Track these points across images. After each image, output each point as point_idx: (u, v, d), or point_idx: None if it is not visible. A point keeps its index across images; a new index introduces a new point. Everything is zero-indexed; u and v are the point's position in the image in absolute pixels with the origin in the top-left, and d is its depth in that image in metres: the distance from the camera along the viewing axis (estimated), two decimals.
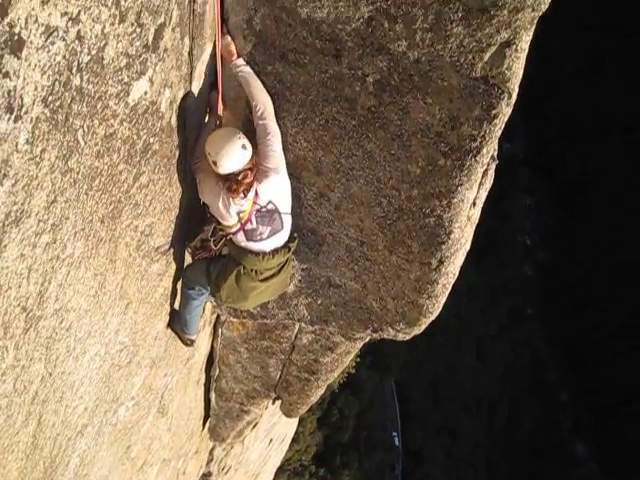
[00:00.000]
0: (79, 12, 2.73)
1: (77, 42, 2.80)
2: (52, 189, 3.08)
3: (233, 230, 4.96)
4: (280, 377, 8.25)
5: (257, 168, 4.68)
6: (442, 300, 5.49)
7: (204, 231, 5.37)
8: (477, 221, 5.23)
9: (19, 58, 2.42)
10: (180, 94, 4.33)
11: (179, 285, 5.88)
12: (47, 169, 2.96)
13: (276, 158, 4.75)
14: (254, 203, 4.80)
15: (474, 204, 4.92)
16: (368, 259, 5.45)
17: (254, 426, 10.69)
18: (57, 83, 2.76)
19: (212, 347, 8.38)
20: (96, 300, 4.24)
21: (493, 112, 4.14)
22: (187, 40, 4.14)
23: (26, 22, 2.39)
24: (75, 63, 2.85)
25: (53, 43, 2.62)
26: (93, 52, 2.97)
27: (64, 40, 2.69)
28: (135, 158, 3.92)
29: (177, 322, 6.14)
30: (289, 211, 5.07)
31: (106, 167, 3.58)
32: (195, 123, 4.83)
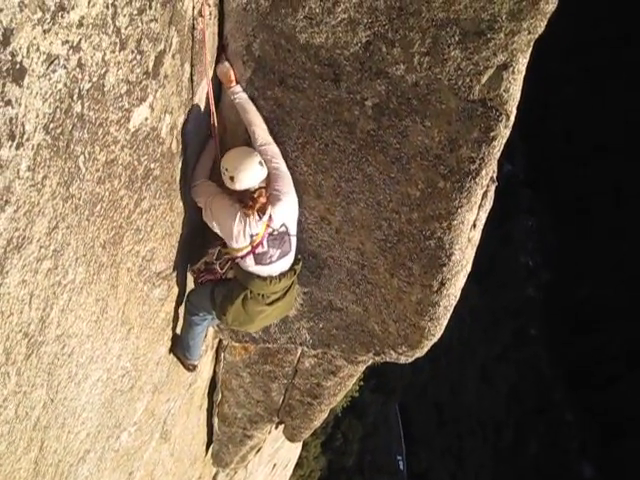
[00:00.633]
0: (80, 40, 2.76)
1: (78, 70, 2.83)
2: (53, 215, 3.10)
3: (241, 254, 4.92)
4: (283, 401, 8.22)
5: (269, 191, 4.73)
6: (444, 322, 5.48)
7: (208, 254, 5.36)
8: (478, 243, 5.23)
9: (21, 86, 2.45)
10: (181, 120, 4.36)
11: (181, 310, 5.87)
12: (48, 195, 2.97)
13: (285, 179, 4.80)
14: (267, 226, 4.79)
15: (474, 226, 4.93)
16: (369, 282, 5.45)
17: (257, 451, 10.63)
18: (58, 110, 2.79)
19: (214, 372, 8.35)
20: (98, 325, 4.24)
21: (491, 134, 4.17)
22: (187, 66, 4.18)
23: (28, 51, 2.42)
24: (76, 90, 2.88)
25: (54, 71, 2.65)
26: (94, 79, 3.00)
27: (65, 68, 2.72)
28: (136, 184, 3.94)
29: (179, 347, 6.12)
30: (295, 233, 5.08)
31: (107, 193, 3.60)
32: (196, 148, 4.86)
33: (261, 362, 7.66)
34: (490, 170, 4.47)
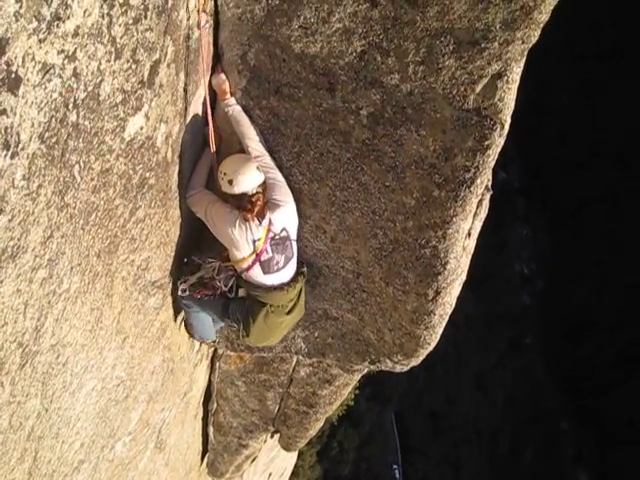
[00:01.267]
0: (75, 49, 2.76)
1: (73, 79, 2.83)
2: (48, 224, 3.09)
3: (247, 264, 4.92)
4: (278, 410, 8.20)
5: (267, 200, 4.77)
6: (439, 331, 5.48)
7: (206, 269, 5.34)
8: (472, 251, 5.24)
9: (16, 95, 2.44)
10: (176, 129, 4.37)
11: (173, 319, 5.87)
12: (43, 205, 2.97)
13: (283, 188, 4.84)
14: (269, 230, 4.81)
15: (469, 234, 4.94)
16: (365, 291, 5.45)
17: (253, 460, 10.60)
18: (53, 120, 2.78)
19: (209, 381, 8.33)
20: (92, 335, 4.23)
21: (486, 143, 4.18)
22: (182, 76, 4.19)
23: (23, 60, 2.42)
24: (71, 100, 2.88)
25: (50, 80, 2.65)
26: (89, 89, 3.00)
27: (60, 77, 2.72)
28: (131, 193, 3.94)
29: (195, 333, 6.19)
30: (296, 238, 5.11)
31: (102, 202, 3.60)
32: (191, 157, 4.86)
33: (256, 371, 7.65)
34: (485, 179, 4.48)
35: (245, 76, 4.51)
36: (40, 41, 2.49)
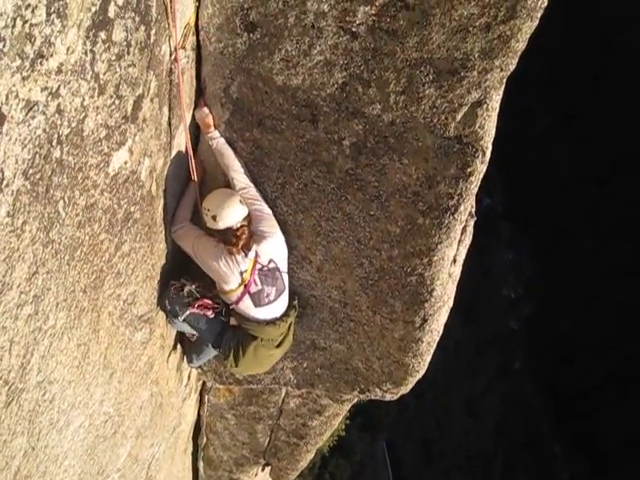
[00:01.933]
0: (59, 86, 2.77)
1: (57, 115, 2.84)
2: (33, 261, 3.08)
3: (236, 296, 4.90)
4: (269, 443, 8.14)
5: (253, 232, 4.77)
6: (427, 358, 5.48)
7: (203, 285, 5.20)
8: (458, 278, 5.27)
9: (0, 133, 2.45)
10: (160, 163, 4.38)
11: (163, 352, 5.83)
12: (28, 241, 2.96)
13: (269, 219, 4.84)
14: (255, 262, 4.80)
15: (455, 261, 4.97)
16: (352, 320, 5.45)
17: None
18: (37, 156, 2.79)
19: (199, 415, 8.27)
20: (79, 371, 4.19)
21: (468, 170, 4.22)
22: (166, 110, 4.22)
23: (7, 98, 2.43)
24: (55, 136, 2.89)
25: (33, 117, 2.66)
26: (73, 124, 3.01)
27: (44, 114, 2.73)
28: (116, 227, 3.94)
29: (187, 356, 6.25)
30: (286, 270, 5.08)
31: (87, 237, 3.59)
32: (176, 190, 4.87)
33: (246, 403, 7.60)
34: (468, 205, 4.52)
35: (228, 109, 4.55)
36: (24, 79, 2.50)
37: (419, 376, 5.63)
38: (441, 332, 5.40)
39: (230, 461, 8.86)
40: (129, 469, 6.29)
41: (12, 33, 2.31)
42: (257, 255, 4.79)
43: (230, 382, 6.72)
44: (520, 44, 3.79)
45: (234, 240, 4.68)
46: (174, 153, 4.61)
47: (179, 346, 6.28)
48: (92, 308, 4.01)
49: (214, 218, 4.67)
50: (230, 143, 4.71)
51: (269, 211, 4.86)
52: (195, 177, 4.83)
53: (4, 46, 2.32)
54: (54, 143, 2.90)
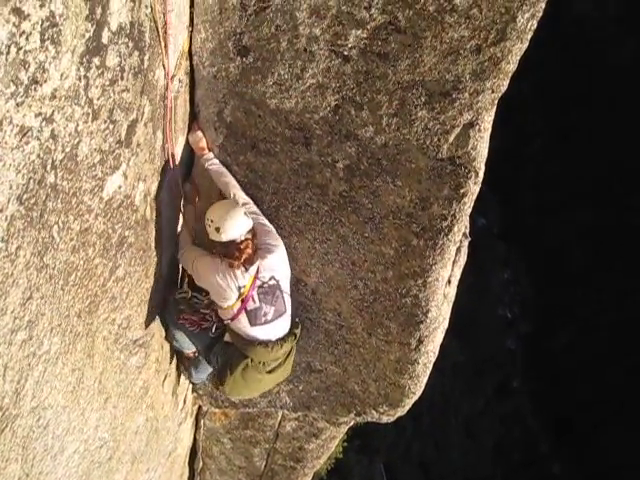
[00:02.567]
0: (53, 112, 2.78)
1: (51, 141, 2.84)
2: (28, 286, 3.07)
3: (232, 312, 4.73)
4: (265, 467, 8.08)
5: (257, 246, 4.65)
6: (424, 379, 5.47)
7: (200, 300, 5.17)
8: (453, 298, 5.27)
9: None
10: (154, 187, 4.39)
11: (159, 375, 5.80)
12: (22, 266, 2.95)
13: (273, 233, 4.75)
14: (255, 278, 4.65)
15: (449, 282, 4.98)
16: (347, 342, 5.44)
17: None
18: (32, 181, 2.78)
19: (195, 439, 8.22)
20: (74, 396, 4.17)
21: (462, 191, 4.25)
22: (159, 134, 4.23)
23: (1, 124, 2.43)
24: (49, 161, 2.89)
25: (27, 143, 2.66)
26: (67, 149, 3.02)
27: (38, 139, 2.73)
28: (111, 252, 3.93)
29: (175, 342, 5.85)
30: (289, 292, 4.91)
31: (82, 262, 3.58)
32: (170, 214, 4.88)
33: (242, 427, 7.55)
34: (462, 226, 4.54)
35: (222, 133, 4.57)
36: (18, 105, 2.50)
37: (416, 398, 5.61)
38: (437, 353, 5.39)
39: None
40: None
41: (6, 60, 2.31)
42: (258, 271, 4.64)
43: (226, 406, 6.70)
44: (511, 66, 3.84)
45: (237, 254, 4.53)
46: (168, 177, 4.61)
47: (174, 370, 6.25)
48: (87, 333, 4.00)
49: (217, 230, 4.52)
50: (224, 166, 4.72)
51: (272, 226, 4.78)
52: (192, 200, 4.84)
53: None
54: (48, 168, 2.90)
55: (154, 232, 4.61)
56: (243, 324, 4.78)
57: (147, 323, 5.04)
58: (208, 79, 4.34)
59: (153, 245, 4.66)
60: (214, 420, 7.66)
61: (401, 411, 5.78)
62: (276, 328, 4.88)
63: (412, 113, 4.05)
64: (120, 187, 3.77)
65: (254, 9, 3.97)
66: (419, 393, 5.58)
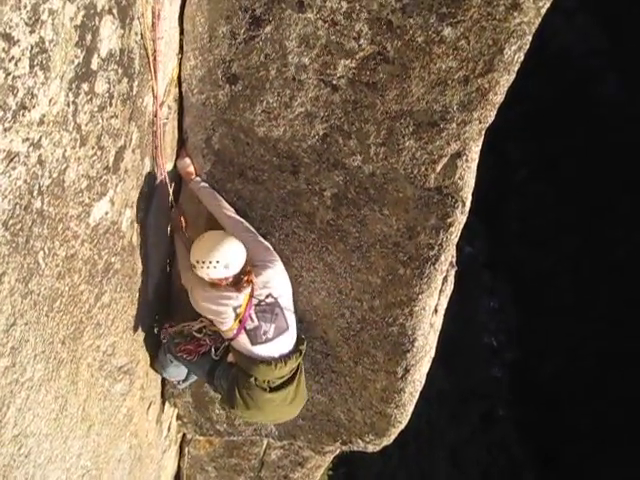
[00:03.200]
0: (41, 137, 2.78)
1: (38, 166, 2.84)
2: (12, 312, 3.04)
3: (232, 333, 4.62)
4: None
5: (253, 264, 4.54)
6: (410, 408, 5.44)
7: (190, 325, 5.06)
8: (440, 328, 5.27)
9: None
10: (141, 213, 4.38)
11: (142, 405, 5.75)
12: (7, 292, 2.93)
13: (269, 249, 4.64)
14: (251, 297, 4.51)
15: (436, 311, 4.98)
16: (334, 371, 5.41)
17: None
18: (18, 207, 2.77)
19: (179, 467, 8.11)
20: (57, 424, 4.11)
21: (448, 221, 4.27)
22: (147, 160, 4.23)
23: None
24: (36, 187, 2.87)
25: (14, 168, 2.64)
26: (54, 175, 3.01)
27: (25, 165, 2.72)
28: (96, 278, 3.91)
29: (163, 370, 5.73)
30: (292, 309, 4.80)
31: (67, 288, 3.56)
32: (157, 241, 4.86)
33: (226, 455, 7.47)
34: (449, 255, 4.55)
35: (210, 160, 4.58)
36: (5, 130, 2.50)
37: (402, 427, 5.58)
38: (423, 382, 5.38)
39: None
40: None
41: None
42: (253, 289, 4.50)
43: (210, 433, 6.62)
44: (498, 97, 3.88)
45: (245, 278, 4.44)
46: (155, 204, 4.60)
47: (159, 397, 6.19)
48: (71, 360, 3.96)
49: (227, 267, 4.36)
50: None
51: (268, 244, 4.68)
52: (180, 228, 4.83)
53: None
54: (35, 194, 2.89)
55: (140, 258, 4.59)
56: (244, 343, 4.66)
57: (132, 350, 5.00)
58: (197, 106, 4.36)
59: (139, 271, 4.64)
60: (198, 448, 7.57)
61: (387, 440, 5.73)
62: (279, 345, 4.74)
63: (400, 143, 4.08)
64: (107, 213, 3.76)
65: (244, 37, 4.00)
66: (405, 422, 5.55)
